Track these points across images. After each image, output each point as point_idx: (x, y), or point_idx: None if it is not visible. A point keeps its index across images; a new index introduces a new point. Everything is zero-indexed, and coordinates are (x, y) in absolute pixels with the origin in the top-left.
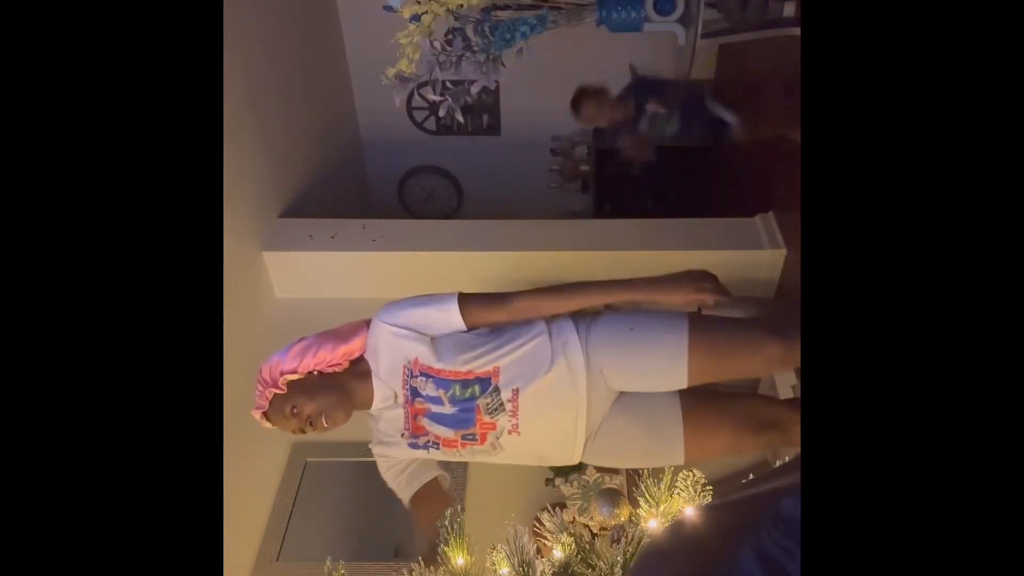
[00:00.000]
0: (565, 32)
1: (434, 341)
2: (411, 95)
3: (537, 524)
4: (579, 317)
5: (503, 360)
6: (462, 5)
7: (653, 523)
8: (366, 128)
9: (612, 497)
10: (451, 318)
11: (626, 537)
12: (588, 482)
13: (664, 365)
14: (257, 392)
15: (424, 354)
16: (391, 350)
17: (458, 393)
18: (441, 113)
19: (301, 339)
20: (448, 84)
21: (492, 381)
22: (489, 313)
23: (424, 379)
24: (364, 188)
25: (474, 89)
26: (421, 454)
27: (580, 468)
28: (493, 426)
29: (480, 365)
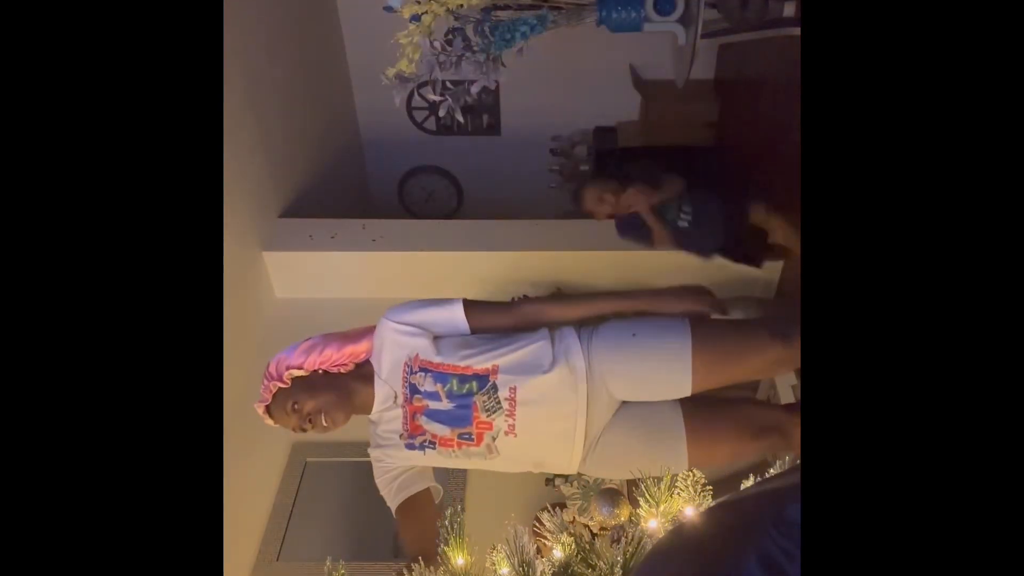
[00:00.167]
0: (565, 32)
1: (436, 339)
2: (411, 95)
3: (537, 524)
4: (581, 325)
5: (502, 359)
6: (462, 5)
7: (653, 523)
8: (366, 128)
9: (612, 497)
10: (456, 319)
11: (626, 537)
12: (588, 482)
13: (668, 370)
14: (262, 386)
15: (424, 349)
16: (394, 347)
17: (455, 388)
18: (441, 113)
19: (310, 337)
20: (448, 84)
21: (490, 379)
22: (493, 316)
23: (423, 375)
24: (364, 188)
25: (474, 89)
26: (417, 455)
27: None
28: (490, 426)
29: (479, 362)
